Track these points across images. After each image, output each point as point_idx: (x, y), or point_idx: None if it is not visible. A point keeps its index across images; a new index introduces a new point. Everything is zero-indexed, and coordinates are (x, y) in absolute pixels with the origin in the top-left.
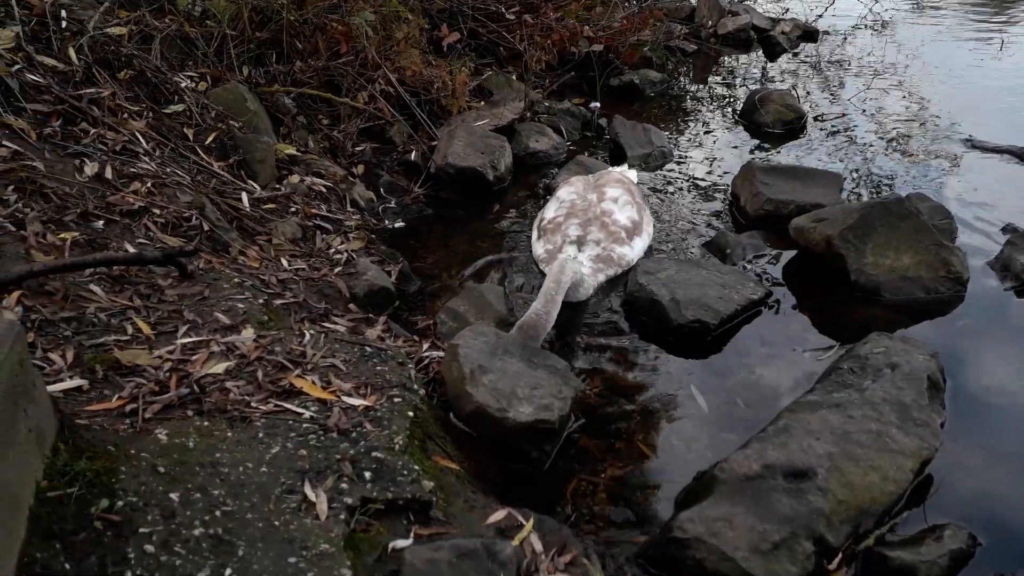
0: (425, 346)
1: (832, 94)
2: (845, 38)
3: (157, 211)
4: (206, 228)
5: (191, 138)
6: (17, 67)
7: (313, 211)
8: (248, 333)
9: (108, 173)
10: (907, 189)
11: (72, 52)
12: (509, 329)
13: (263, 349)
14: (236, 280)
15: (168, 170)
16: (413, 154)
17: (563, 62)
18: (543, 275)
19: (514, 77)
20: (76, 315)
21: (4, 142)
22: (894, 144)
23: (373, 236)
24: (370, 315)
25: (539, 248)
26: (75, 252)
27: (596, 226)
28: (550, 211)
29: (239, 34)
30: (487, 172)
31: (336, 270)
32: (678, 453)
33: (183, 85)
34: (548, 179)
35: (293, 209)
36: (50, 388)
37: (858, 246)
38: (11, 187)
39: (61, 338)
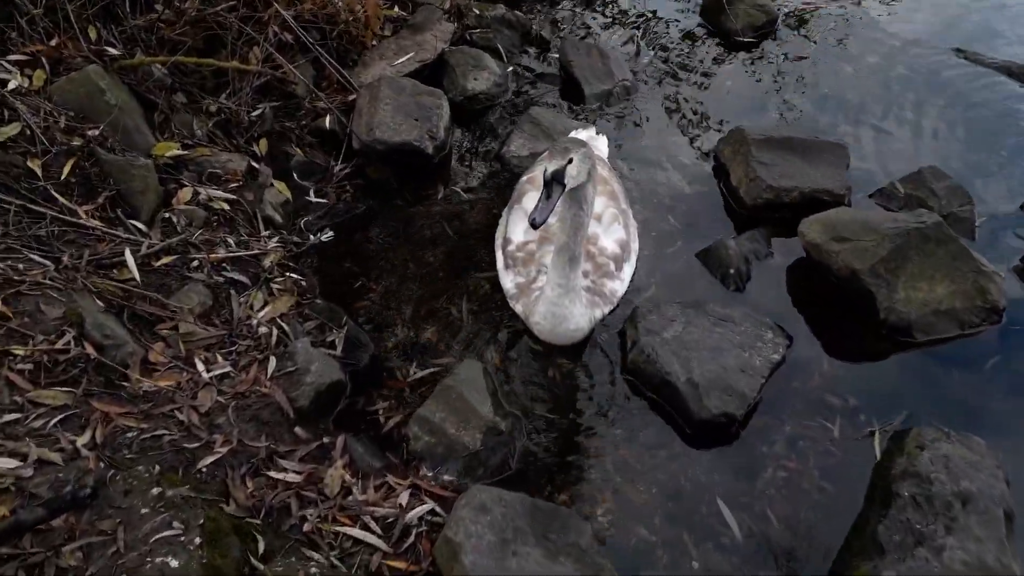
0: (404, 496)
1: None
2: None
3: (20, 351)
4: (91, 355)
5: (40, 175)
6: None
7: (219, 255)
8: None
9: None
10: (904, 129)
11: None
12: (499, 436)
13: None
14: (156, 491)
15: (21, 266)
16: (328, 120)
17: None
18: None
19: None
20: None
21: None
22: (876, 62)
23: (304, 282)
24: (324, 439)
25: (508, 281)
26: None
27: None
28: (517, 231)
29: None
30: (425, 145)
31: (270, 367)
32: None
33: (12, 87)
34: (495, 132)
35: (195, 262)
36: None
37: (890, 280)
38: None
39: None
